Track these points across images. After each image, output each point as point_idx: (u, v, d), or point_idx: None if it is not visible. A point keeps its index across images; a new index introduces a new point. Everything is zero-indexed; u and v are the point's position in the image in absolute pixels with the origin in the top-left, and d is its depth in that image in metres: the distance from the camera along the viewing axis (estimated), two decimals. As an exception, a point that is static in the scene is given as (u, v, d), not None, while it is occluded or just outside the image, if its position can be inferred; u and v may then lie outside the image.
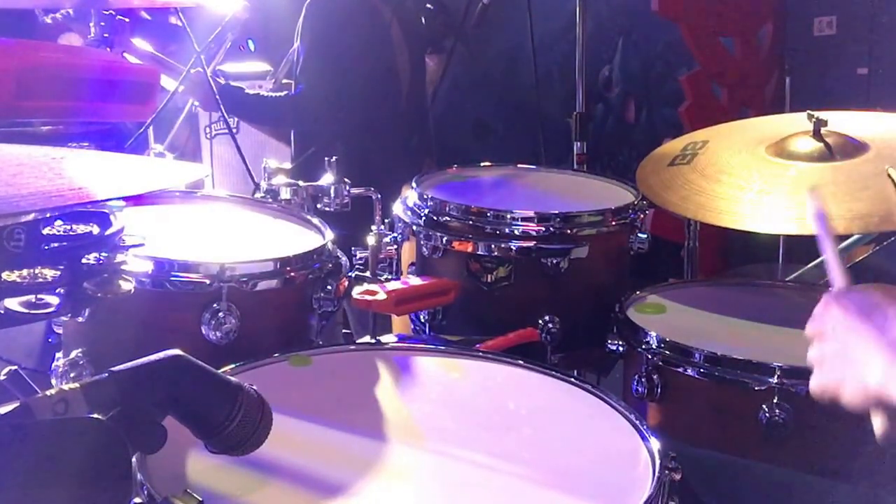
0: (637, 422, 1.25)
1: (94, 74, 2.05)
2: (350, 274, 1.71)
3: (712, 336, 1.68)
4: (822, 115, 1.81)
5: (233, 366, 1.36)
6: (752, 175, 1.77)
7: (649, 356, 1.64)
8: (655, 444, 1.18)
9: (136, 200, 1.64)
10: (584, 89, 2.79)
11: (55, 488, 0.74)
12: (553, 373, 1.42)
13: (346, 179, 1.94)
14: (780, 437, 1.50)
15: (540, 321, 1.81)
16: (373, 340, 1.59)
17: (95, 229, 1.10)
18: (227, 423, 0.90)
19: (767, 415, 1.50)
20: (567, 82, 3.61)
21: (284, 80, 3.29)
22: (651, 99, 4.22)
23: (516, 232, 1.83)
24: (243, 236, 1.76)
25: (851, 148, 1.78)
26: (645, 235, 1.97)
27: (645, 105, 4.25)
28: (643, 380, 1.64)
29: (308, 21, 2.83)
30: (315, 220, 1.79)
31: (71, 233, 1.07)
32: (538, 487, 1.12)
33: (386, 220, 1.96)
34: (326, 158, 1.96)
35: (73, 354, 1.51)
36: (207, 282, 1.46)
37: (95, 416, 0.81)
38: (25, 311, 1.03)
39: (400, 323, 1.98)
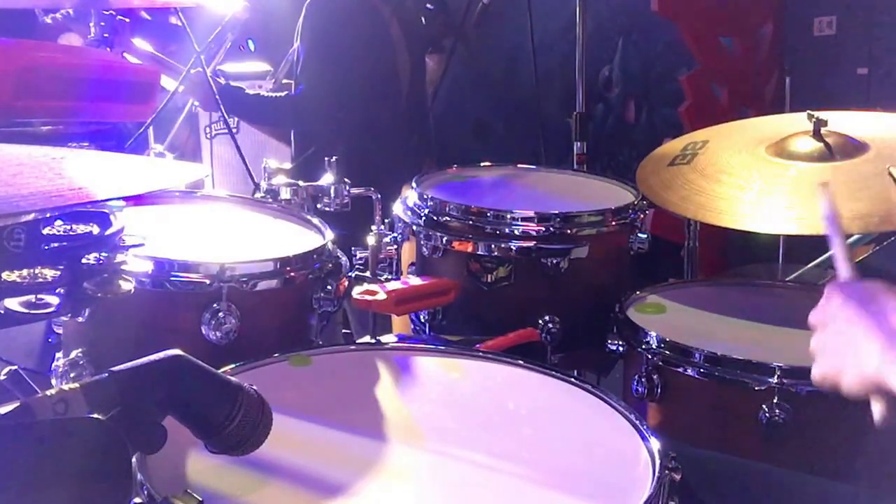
0: (637, 422, 1.25)
1: (94, 74, 2.05)
2: (350, 274, 1.71)
3: (712, 336, 1.68)
4: (822, 115, 1.81)
5: (233, 366, 1.36)
6: (752, 175, 1.77)
7: (649, 356, 1.64)
8: (655, 444, 1.18)
9: (136, 200, 1.64)
10: (584, 89, 2.80)
11: (55, 488, 0.74)
12: (553, 373, 1.42)
13: (346, 179, 1.94)
14: (780, 437, 1.50)
15: (540, 321, 1.81)
16: (373, 340, 1.59)
17: (95, 229, 1.10)
18: (227, 423, 0.90)
19: (767, 415, 1.50)
20: (567, 82, 3.60)
21: (284, 80, 3.29)
22: (651, 99, 4.22)
23: (516, 232, 1.83)
24: (243, 236, 1.76)
25: (851, 148, 1.78)
26: (645, 235, 1.97)
27: (645, 105, 4.25)
28: (643, 380, 1.64)
29: (308, 21, 2.83)
30: (315, 220, 1.79)
31: (71, 233, 1.07)
32: (538, 487, 1.12)
33: (386, 220, 1.96)
34: (326, 158, 1.96)
35: (73, 354, 1.51)
36: (207, 282, 1.46)
37: (95, 416, 0.81)
38: (25, 311, 1.03)
39: (400, 323, 1.98)
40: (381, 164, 2.70)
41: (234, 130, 3.17)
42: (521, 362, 1.46)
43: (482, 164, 2.34)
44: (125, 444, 0.79)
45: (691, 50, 3.90)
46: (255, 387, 0.94)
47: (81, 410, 0.81)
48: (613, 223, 1.90)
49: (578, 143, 2.76)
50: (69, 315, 1.32)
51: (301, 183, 1.92)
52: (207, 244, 1.65)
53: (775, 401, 1.50)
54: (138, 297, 1.20)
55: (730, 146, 1.90)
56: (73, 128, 2.15)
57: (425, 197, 1.94)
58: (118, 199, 1.13)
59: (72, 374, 1.49)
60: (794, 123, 1.88)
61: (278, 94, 2.96)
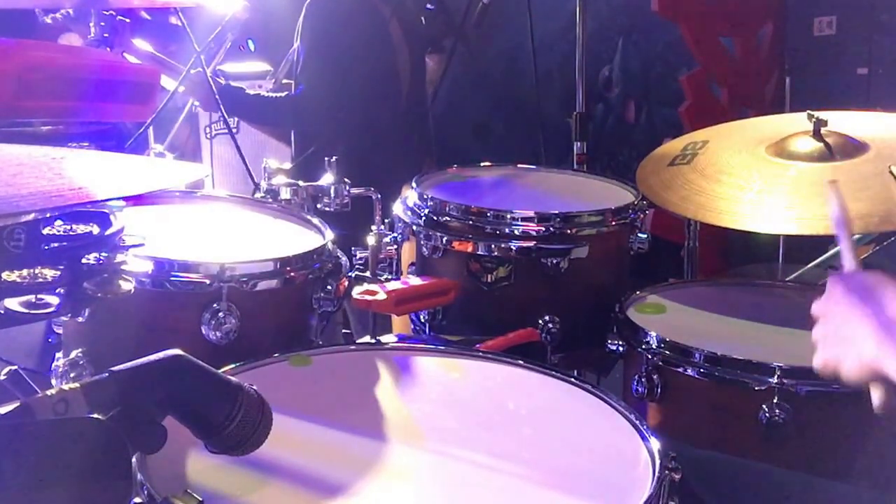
0: (637, 422, 1.25)
1: (94, 74, 2.05)
2: (350, 274, 1.71)
3: (712, 336, 1.68)
4: (822, 115, 1.81)
5: (233, 366, 1.36)
6: (752, 175, 1.77)
7: (649, 356, 1.64)
8: (655, 444, 1.18)
9: (136, 200, 1.64)
10: (584, 89, 2.79)
11: (55, 488, 0.74)
12: (553, 373, 1.42)
13: (346, 179, 1.94)
14: (780, 437, 1.50)
15: (540, 321, 1.81)
16: (373, 340, 1.59)
17: (95, 229, 1.10)
18: (227, 423, 0.90)
19: (767, 415, 1.50)
20: (567, 82, 3.61)
21: (284, 80, 3.29)
22: (651, 99, 4.22)
23: (516, 232, 1.83)
24: (243, 236, 1.76)
25: (851, 148, 1.78)
26: (645, 235, 1.97)
27: (645, 105, 4.25)
28: (643, 380, 1.64)
29: (308, 21, 2.83)
30: (315, 220, 1.79)
31: (71, 233, 1.07)
32: (538, 487, 1.12)
33: (386, 220, 1.96)
34: (326, 158, 1.96)
35: (73, 354, 1.51)
36: (207, 282, 1.46)
37: (95, 416, 0.81)
38: (25, 311, 1.03)
39: (400, 323, 1.97)
40: (381, 164, 2.70)
41: (234, 130, 3.17)
42: (521, 362, 1.46)
43: (482, 164, 2.34)
44: (125, 444, 0.79)
45: (691, 50, 3.90)
46: (255, 387, 0.94)
47: (81, 410, 0.81)
48: (613, 223, 1.90)
49: (578, 143, 2.76)
50: (69, 315, 1.32)
51: (301, 183, 1.92)
52: (207, 244, 1.65)
53: (775, 401, 1.49)
54: (138, 297, 1.20)
55: (730, 146, 1.90)
56: (73, 128, 2.15)
57: (425, 197, 1.94)
58: (118, 199, 1.13)
59: (72, 374, 1.49)
60: (794, 123, 1.88)
61: (278, 94, 2.96)
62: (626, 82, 4.26)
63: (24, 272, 1.00)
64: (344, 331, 2.75)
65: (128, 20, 2.64)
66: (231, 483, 1.06)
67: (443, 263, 1.88)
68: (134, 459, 0.94)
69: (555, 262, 1.81)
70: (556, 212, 1.85)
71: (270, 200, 1.90)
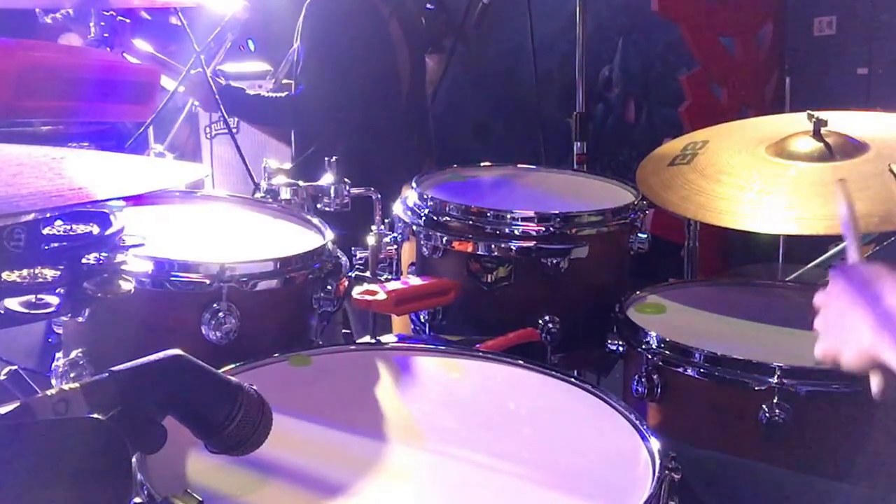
0: (637, 422, 1.25)
1: (94, 74, 2.05)
2: (350, 274, 1.71)
3: (712, 336, 1.68)
4: (822, 115, 1.81)
5: (233, 366, 1.36)
6: (752, 175, 1.77)
7: (649, 356, 1.64)
8: (655, 444, 1.18)
9: (136, 200, 1.64)
10: (584, 89, 2.79)
11: (55, 488, 0.74)
12: (553, 373, 1.42)
13: (346, 179, 1.94)
14: (780, 437, 1.50)
15: (540, 321, 1.81)
16: (373, 340, 1.59)
17: (95, 229, 1.10)
18: (227, 423, 0.90)
19: (767, 415, 1.50)
20: (567, 82, 3.61)
21: (284, 81, 3.29)
22: (651, 99, 4.22)
23: (516, 232, 1.83)
24: (243, 236, 1.76)
25: (851, 148, 1.78)
26: (645, 235, 1.97)
27: (645, 105, 4.25)
28: (643, 380, 1.64)
29: (308, 21, 2.83)
30: (315, 220, 1.79)
31: (71, 233, 1.07)
32: (538, 487, 1.12)
33: (386, 220, 1.96)
34: (326, 158, 1.96)
35: (73, 354, 1.51)
36: (207, 282, 1.46)
37: (95, 416, 0.81)
38: (25, 311, 1.03)
39: (400, 323, 1.97)
40: (381, 164, 2.70)
41: (234, 130, 3.17)
42: (521, 362, 1.46)
43: (482, 164, 2.34)
44: (125, 444, 0.79)
45: (691, 50, 3.90)
46: (255, 387, 0.94)
47: (81, 410, 0.81)
48: (613, 223, 1.90)
49: (578, 143, 2.76)
50: (69, 315, 1.32)
51: (301, 183, 1.92)
52: (207, 244, 1.65)
53: (775, 401, 1.49)
54: (138, 297, 1.20)
55: (730, 146, 1.90)
56: (73, 128, 2.15)
57: (425, 197, 1.94)
58: (118, 199, 1.13)
59: (72, 374, 1.49)
60: (794, 123, 1.88)
61: (278, 95, 2.96)
62: (626, 82, 4.26)
63: (24, 272, 1.00)
64: (344, 331, 2.75)
65: (128, 21, 2.64)
66: (231, 483, 1.06)
67: (443, 263, 1.88)
68: (134, 459, 0.94)
69: (555, 262, 1.81)
70: (556, 212, 1.85)
71: (270, 200, 1.90)
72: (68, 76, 1.98)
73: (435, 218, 1.90)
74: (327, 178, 1.94)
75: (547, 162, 3.34)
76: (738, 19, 3.95)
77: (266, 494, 1.07)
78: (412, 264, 1.95)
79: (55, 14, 2.61)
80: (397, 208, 2.02)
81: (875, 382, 1.09)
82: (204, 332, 1.46)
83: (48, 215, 1.04)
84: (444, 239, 1.86)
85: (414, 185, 2.01)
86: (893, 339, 1.03)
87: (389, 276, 1.84)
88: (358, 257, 1.84)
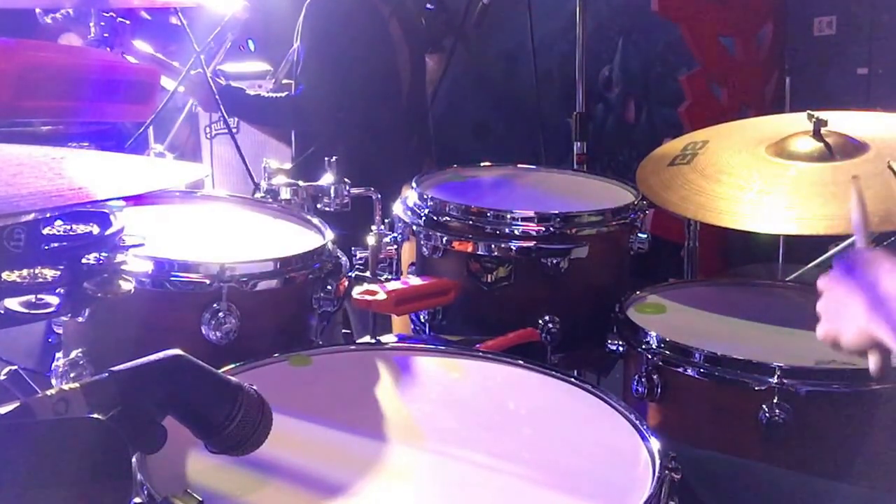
0: (637, 422, 1.25)
1: (94, 74, 2.05)
2: (350, 274, 1.71)
3: (712, 336, 1.68)
4: (822, 115, 1.81)
5: (233, 366, 1.36)
6: (752, 175, 1.77)
7: (649, 356, 1.64)
8: (655, 444, 1.18)
9: (136, 200, 1.64)
10: (584, 89, 2.79)
11: (55, 488, 0.74)
12: (553, 373, 1.42)
13: (346, 179, 1.94)
14: (780, 437, 1.50)
15: (540, 321, 1.81)
16: (373, 340, 1.59)
17: (95, 229, 1.10)
18: (227, 423, 0.90)
19: (767, 415, 1.50)
20: (567, 82, 3.61)
21: (284, 81, 3.29)
22: (651, 99, 4.22)
23: (516, 232, 1.83)
24: (243, 236, 1.76)
25: (851, 148, 1.78)
26: (645, 235, 1.97)
27: (645, 105, 4.25)
28: (643, 380, 1.64)
29: (308, 21, 2.83)
30: (315, 220, 1.79)
31: (71, 233, 1.07)
32: (538, 487, 1.12)
33: (386, 220, 1.96)
34: (326, 158, 1.96)
35: (73, 354, 1.51)
36: (207, 282, 1.46)
37: (95, 416, 0.81)
38: (25, 311, 1.03)
39: (400, 323, 1.98)
40: (381, 164, 2.70)
41: (234, 130, 3.17)
42: (521, 362, 1.46)
43: (482, 164, 2.34)
44: (125, 444, 0.79)
45: (691, 50, 3.89)
46: (255, 387, 0.94)
47: (81, 410, 0.81)
48: (613, 223, 1.90)
49: (578, 143, 2.76)
50: (69, 315, 1.32)
51: (301, 183, 1.92)
52: (207, 244, 1.65)
53: (775, 401, 1.50)
54: (138, 297, 1.20)
55: (730, 146, 1.90)
56: (73, 128, 2.14)
57: (425, 197, 1.94)
58: (118, 199, 1.13)
59: (72, 374, 1.49)
60: (794, 123, 1.88)
61: (278, 95, 2.96)
62: (626, 82, 4.26)
63: (24, 272, 1.00)
64: (344, 331, 2.74)
65: (128, 22, 2.64)
66: (231, 483, 1.06)
67: (443, 263, 1.88)
68: (134, 459, 0.94)
69: (555, 262, 1.81)
70: (556, 212, 1.85)
71: (270, 200, 1.90)
72: (68, 76, 1.98)
73: (435, 218, 1.90)
74: (327, 178, 1.94)
75: (547, 162, 3.34)
76: (738, 19, 3.95)
77: (266, 494, 1.07)
78: (412, 264, 1.95)
79: (55, 14, 2.61)
80: (397, 208, 2.02)
81: (873, 361, 1.14)
82: (204, 332, 1.46)
83: (48, 215, 1.04)
84: (444, 239, 1.86)
85: (414, 185, 2.01)
86: (888, 319, 1.07)
87: (389, 276, 1.84)
88: (358, 257, 1.84)
